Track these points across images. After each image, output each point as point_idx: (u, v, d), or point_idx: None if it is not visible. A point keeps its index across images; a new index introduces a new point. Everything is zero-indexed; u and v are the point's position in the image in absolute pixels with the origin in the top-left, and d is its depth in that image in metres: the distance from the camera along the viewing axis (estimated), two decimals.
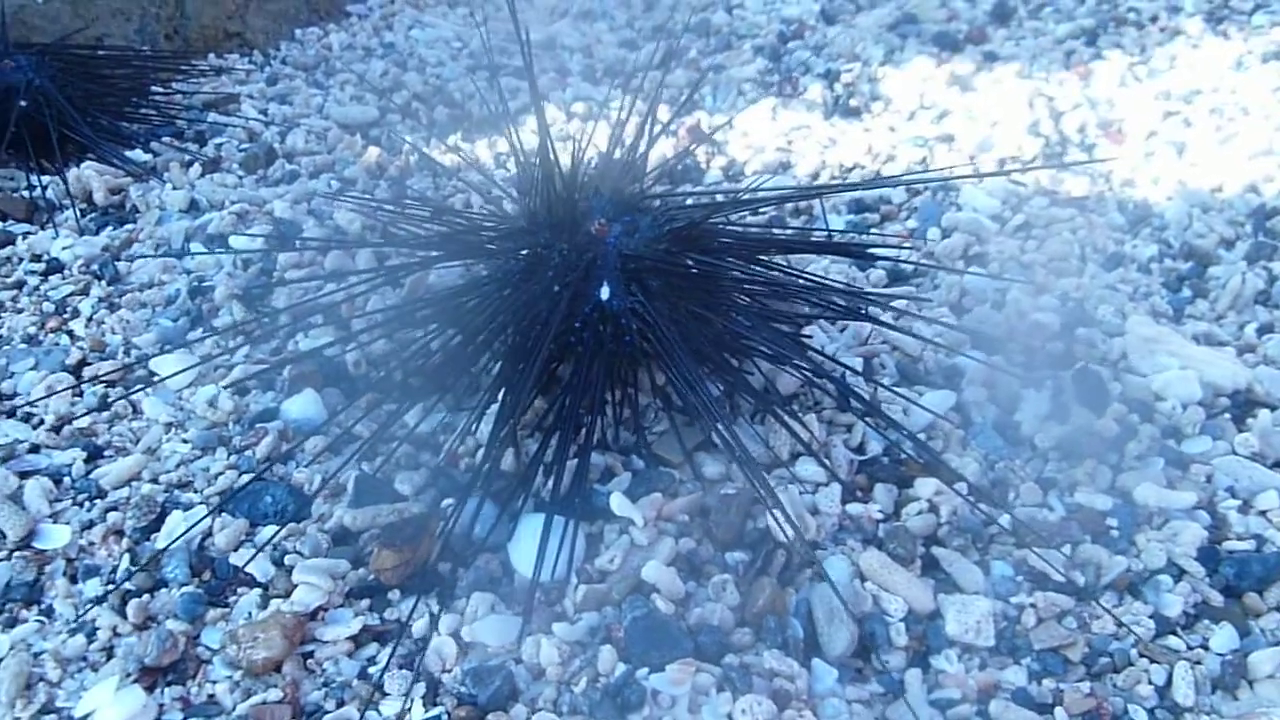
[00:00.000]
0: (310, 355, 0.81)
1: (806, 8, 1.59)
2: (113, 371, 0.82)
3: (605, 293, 0.75)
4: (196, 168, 1.08)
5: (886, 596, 0.69)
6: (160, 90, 1.23)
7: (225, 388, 0.80)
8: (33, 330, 0.87)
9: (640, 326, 0.76)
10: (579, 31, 1.54)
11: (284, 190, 1.05)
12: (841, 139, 1.22)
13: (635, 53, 1.47)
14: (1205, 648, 0.68)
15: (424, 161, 1.14)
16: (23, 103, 1.08)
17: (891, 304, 0.92)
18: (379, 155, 1.12)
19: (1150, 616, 0.69)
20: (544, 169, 0.81)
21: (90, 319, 0.87)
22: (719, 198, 1.03)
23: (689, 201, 0.95)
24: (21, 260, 0.94)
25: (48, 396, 0.79)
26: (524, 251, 0.79)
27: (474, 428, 0.74)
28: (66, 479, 0.74)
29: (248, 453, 0.75)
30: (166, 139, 1.15)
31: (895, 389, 0.82)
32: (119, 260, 0.94)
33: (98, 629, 0.64)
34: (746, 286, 0.84)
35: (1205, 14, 1.53)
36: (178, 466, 0.75)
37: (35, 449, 0.76)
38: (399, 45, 1.46)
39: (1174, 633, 0.69)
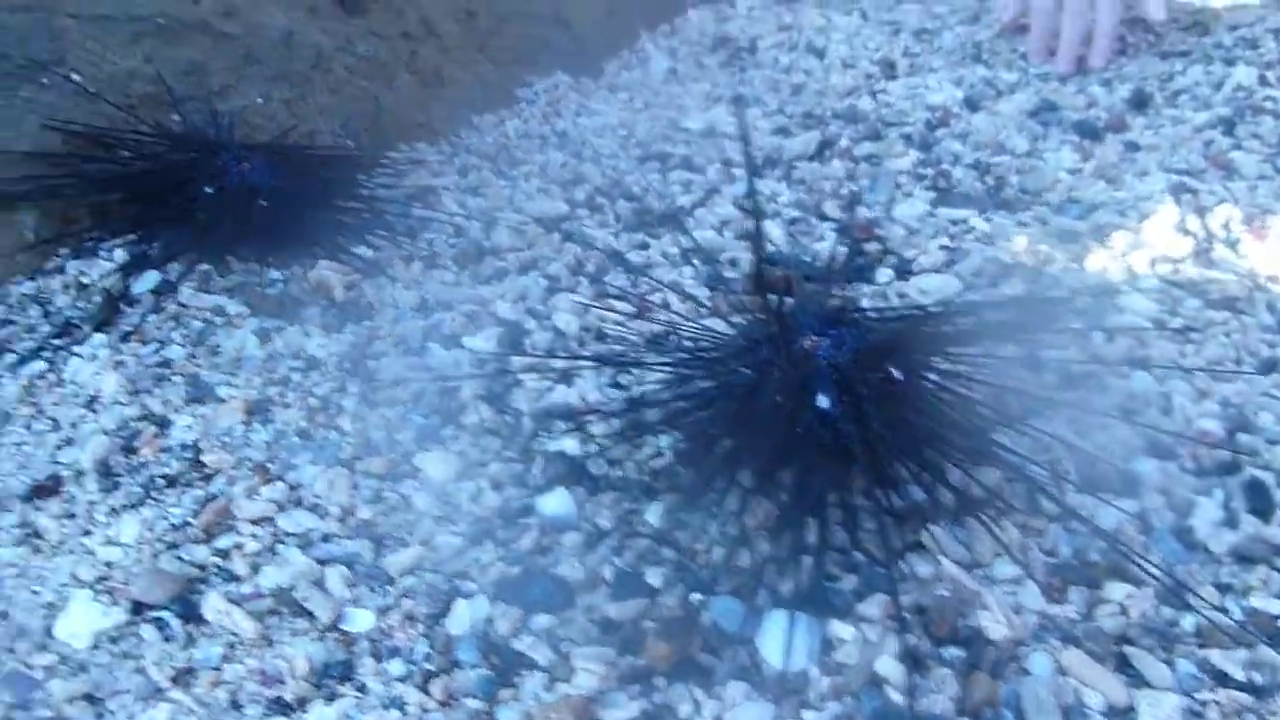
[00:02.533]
0: (555, 457, 0.92)
1: (949, 94, 1.68)
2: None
3: (824, 403, 0.85)
4: (418, 265, 1.20)
5: (1086, 691, 0.77)
6: (367, 184, 1.35)
7: (484, 484, 0.91)
8: (304, 424, 0.98)
9: (854, 432, 0.85)
10: (735, 117, 1.64)
11: (500, 289, 1.16)
12: (998, 235, 1.30)
13: (790, 139, 1.56)
14: None
15: (616, 258, 1.24)
16: (263, 202, 1.20)
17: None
18: (576, 253, 1.23)
19: None
20: (758, 290, 0.91)
21: (355, 416, 0.98)
22: (907, 308, 1.12)
23: (884, 312, 1.04)
24: (283, 357, 1.06)
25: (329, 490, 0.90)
26: (745, 370, 0.89)
27: (714, 528, 0.84)
28: (359, 566, 0.85)
29: (513, 546, 0.86)
30: (382, 233, 1.27)
31: (1081, 493, 0.90)
32: (368, 359, 1.05)
33: (407, 704, 0.75)
34: (944, 392, 0.94)
35: None
36: (453, 557, 0.85)
37: (327, 538, 0.87)
38: (571, 134, 1.57)
39: None
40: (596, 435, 0.94)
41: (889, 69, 1.79)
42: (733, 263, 1.23)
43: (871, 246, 1.28)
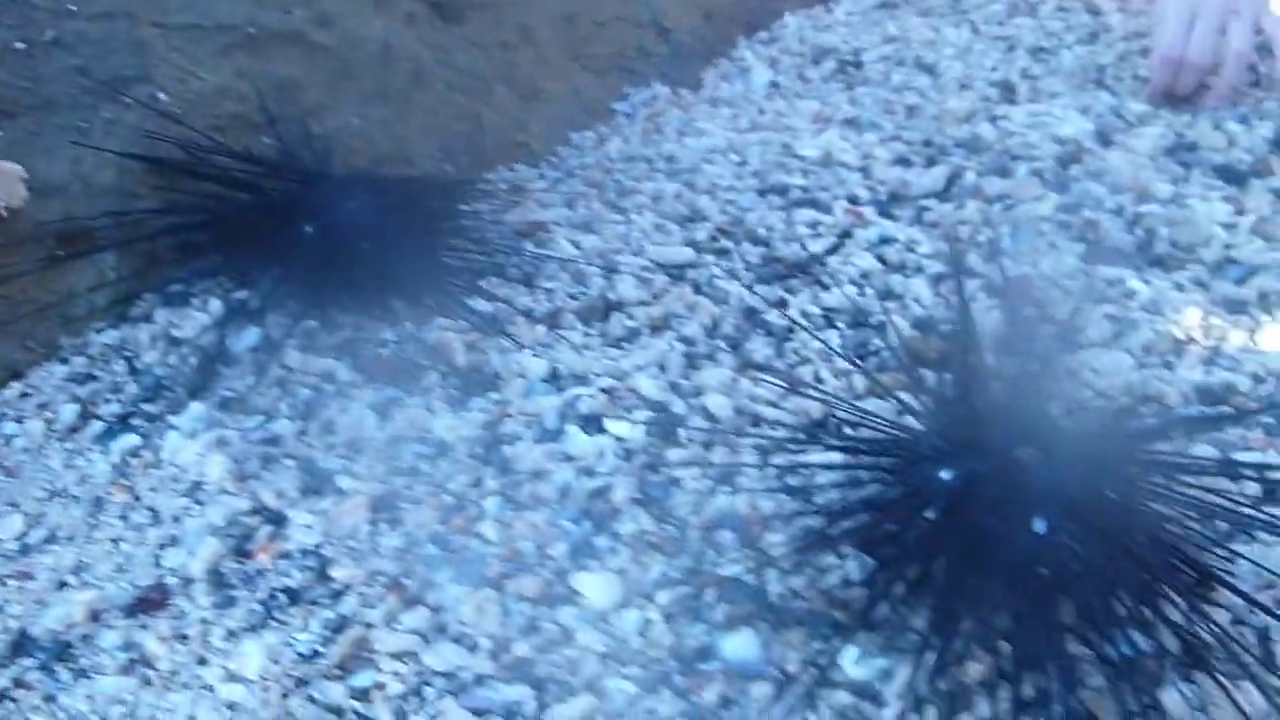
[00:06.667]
0: (728, 582, 0.81)
1: (1078, 125, 1.55)
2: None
3: (1041, 527, 0.75)
4: (542, 324, 1.08)
5: None
6: (470, 216, 1.23)
7: (653, 614, 0.80)
8: (439, 529, 0.87)
9: (1075, 566, 0.75)
10: (850, 144, 1.52)
11: (636, 357, 1.04)
12: (1163, 302, 1.19)
13: (912, 171, 1.44)
14: None
15: (754, 319, 1.13)
16: (366, 245, 1.08)
17: None
18: (710, 310, 1.12)
19: None
20: (965, 389, 0.80)
21: (497, 520, 0.87)
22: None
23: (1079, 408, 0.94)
24: (407, 439, 0.94)
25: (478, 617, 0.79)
26: (947, 475, 0.79)
27: (921, 681, 0.73)
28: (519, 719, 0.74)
29: (694, 697, 0.75)
30: (495, 279, 1.15)
31: None
32: (501, 443, 0.94)
33: None
34: (1151, 509, 0.84)
35: None
36: (628, 707, 0.74)
37: (480, 680, 0.76)
38: (680, 158, 1.45)
39: None
40: (774, 556, 0.83)
41: (1008, 92, 1.67)
42: (881, 327, 1.12)
43: (1029, 312, 1.16)
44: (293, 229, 1.09)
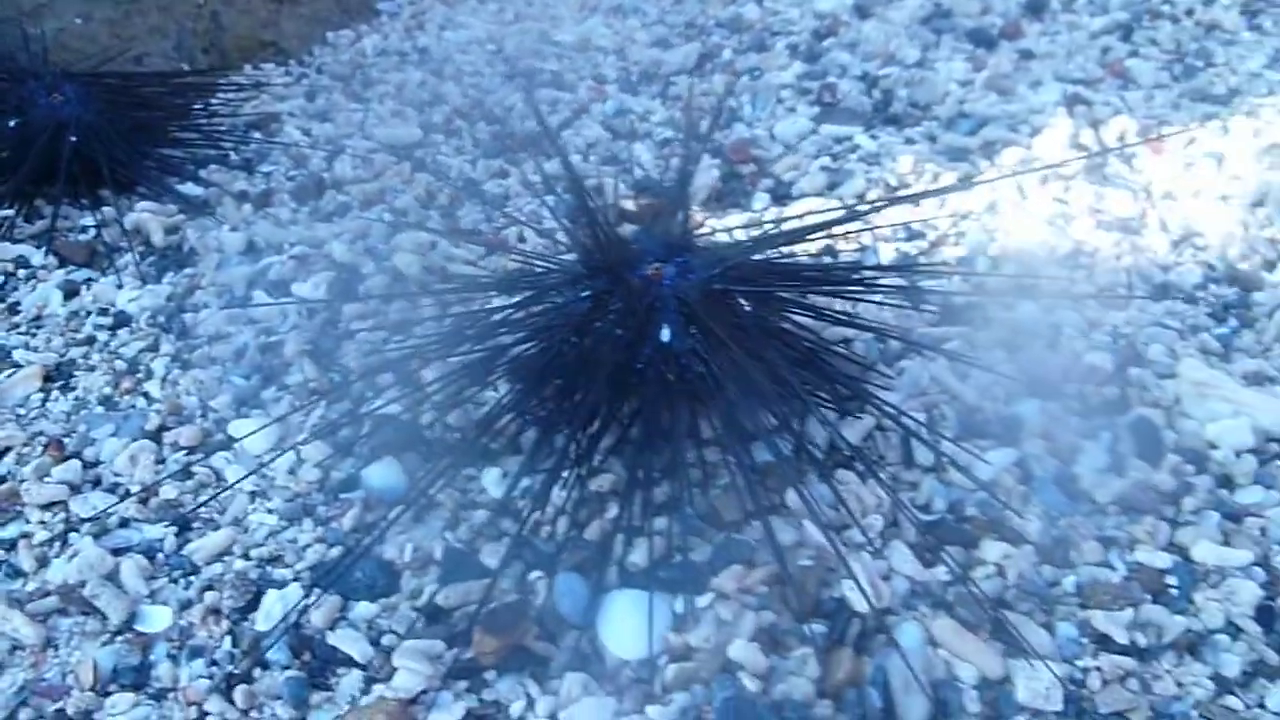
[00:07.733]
0: (383, 420, 0.83)
1: (840, 1, 1.58)
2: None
3: (666, 335, 0.77)
4: (250, 203, 1.09)
5: (958, 663, 0.71)
6: (202, 112, 1.23)
7: (305, 454, 0.82)
8: (108, 391, 0.88)
9: (703, 371, 0.78)
10: (611, 29, 1.53)
11: (339, 228, 1.06)
12: (884, 154, 1.22)
13: (669, 52, 1.46)
14: (1262, 706, 0.70)
15: (472, 189, 1.14)
16: (73, 138, 1.08)
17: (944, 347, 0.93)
18: (428, 184, 1.13)
19: (1210, 677, 0.71)
20: (590, 217, 0.82)
21: (165, 379, 0.89)
22: (768, 228, 1.03)
23: (738, 236, 0.96)
24: (90, 314, 0.95)
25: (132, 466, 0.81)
26: (585, 294, 0.81)
27: (550, 493, 0.76)
28: (160, 555, 0.76)
29: (334, 524, 0.77)
30: (215, 167, 1.16)
31: (959, 443, 0.83)
32: (185, 311, 0.95)
33: (209, 713, 0.67)
34: (808, 328, 0.87)
35: (1241, 5, 1.53)
36: (267, 539, 0.77)
37: (125, 523, 0.78)
38: (433, 50, 1.46)
39: (1232, 692, 0.71)
40: (430, 392, 0.85)
41: None
42: (599, 191, 1.14)
43: (748, 169, 1.19)
44: None
